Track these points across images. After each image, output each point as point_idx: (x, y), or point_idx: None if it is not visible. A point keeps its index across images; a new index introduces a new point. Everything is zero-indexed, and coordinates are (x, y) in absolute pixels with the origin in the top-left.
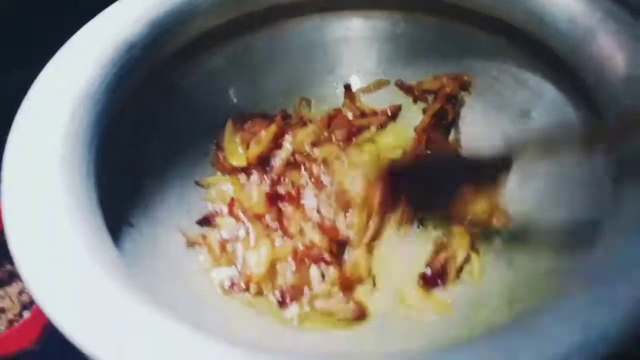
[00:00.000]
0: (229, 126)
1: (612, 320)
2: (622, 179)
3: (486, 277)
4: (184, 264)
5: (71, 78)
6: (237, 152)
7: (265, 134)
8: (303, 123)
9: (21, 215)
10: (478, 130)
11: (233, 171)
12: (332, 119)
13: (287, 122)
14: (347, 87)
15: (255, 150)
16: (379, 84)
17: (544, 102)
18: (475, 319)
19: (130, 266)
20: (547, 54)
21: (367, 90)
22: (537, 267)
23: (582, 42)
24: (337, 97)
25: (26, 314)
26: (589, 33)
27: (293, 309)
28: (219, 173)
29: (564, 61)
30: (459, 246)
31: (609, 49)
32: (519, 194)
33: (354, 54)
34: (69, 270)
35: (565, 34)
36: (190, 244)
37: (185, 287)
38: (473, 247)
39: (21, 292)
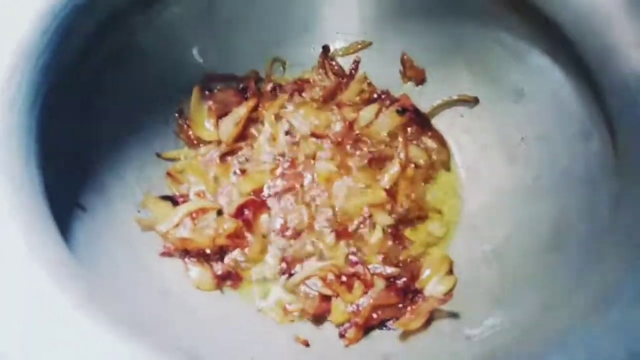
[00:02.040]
0: (195, 94)
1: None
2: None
3: None
4: (145, 250)
5: (5, 33)
6: (204, 126)
7: (242, 114)
8: (274, 89)
9: None
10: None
11: (199, 143)
12: (302, 85)
13: (259, 88)
14: (325, 49)
15: (231, 132)
16: (360, 46)
17: (541, 82)
18: None
19: (79, 263)
20: (548, 25)
21: (346, 51)
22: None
23: (598, 26)
24: (313, 58)
25: None
26: (605, 17)
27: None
28: (182, 143)
29: (569, 39)
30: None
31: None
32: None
33: (335, 12)
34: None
35: (578, 14)
36: (146, 229)
37: (147, 278)
38: None
39: None
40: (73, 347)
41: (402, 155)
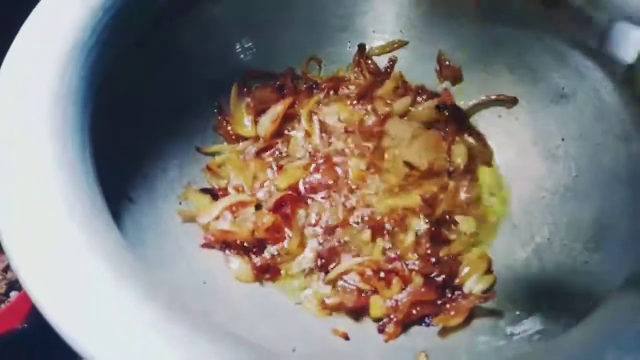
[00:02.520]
0: (234, 92)
1: None
2: None
3: None
4: (187, 242)
5: (58, 27)
6: (244, 122)
7: (279, 111)
8: (310, 87)
9: (9, 198)
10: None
11: (238, 139)
12: (338, 83)
13: (295, 85)
14: (361, 48)
15: (269, 129)
16: (396, 45)
17: (582, 83)
18: None
19: (132, 251)
20: (591, 26)
21: (382, 50)
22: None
23: None
24: (349, 56)
25: (13, 295)
26: None
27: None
28: (221, 138)
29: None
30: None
31: None
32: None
33: (372, 11)
34: (64, 258)
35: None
36: (187, 220)
37: (189, 268)
38: None
39: (6, 269)
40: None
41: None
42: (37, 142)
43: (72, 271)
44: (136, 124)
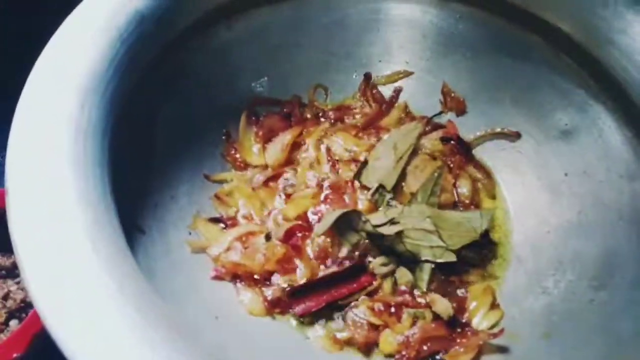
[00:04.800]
0: (243, 120)
1: None
2: None
3: None
4: (197, 273)
5: (76, 58)
6: (252, 150)
7: (288, 140)
8: (317, 115)
9: (33, 233)
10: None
11: (246, 167)
12: (344, 111)
13: (302, 113)
14: (367, 77)
15: (278, 157)
16: (402, 75)
17: (586, 121)
18: None
19: (147, 281)
20: (596, 67)
21: (387, 80)
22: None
23: None
24: (355, 85)
25: (13, 324)
26: None
27: (316, 330)
28: (229, 165)
29: (618, 81)
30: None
31: None
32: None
33: (378, 41)
34: (84, 293)
35: (629, 59)
36: (196, 251)
37: (201, 301)
38: None
39: (6, 297)
40: None
41: None
42: (59, 177)
43: (97, 315)
44: (149, 152)
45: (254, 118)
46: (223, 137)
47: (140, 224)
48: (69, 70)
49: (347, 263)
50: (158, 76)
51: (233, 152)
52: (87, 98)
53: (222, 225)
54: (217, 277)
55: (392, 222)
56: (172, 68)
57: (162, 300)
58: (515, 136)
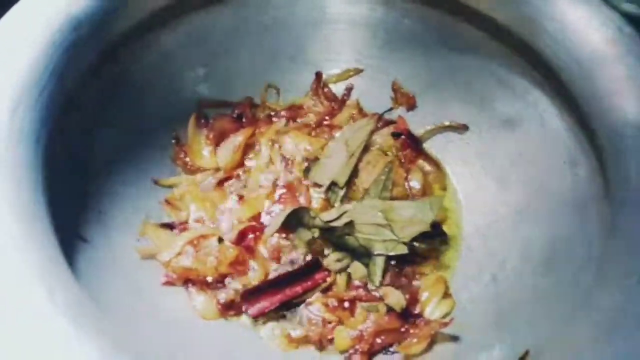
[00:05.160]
0: (192, 123)
1: None
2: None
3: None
4: (146, 280)
5: (8, 64)
6: (202, 153)
7: (240, 141)
8: (269, 116)
9: None
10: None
11: (196, 170)
12: (296, 111)
13: (253, 114)
14: (318, 75)
15: (230, 159)
16: (352, 73)
17: (529, 110)
18: None
19: (87, 295)
20: (533, 55)
21: (338, 78)
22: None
23: (588, 65)
24: (306, 84)
25: None
26: (595, 58)
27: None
28: (178, 169)
29: (558, 74)
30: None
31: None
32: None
33: (326, 39)
34: (11, 304)
35: (570, 53)
36: (146, 257)
37: (150, 309)
38: None
39: None
40: None
41: None
42: None
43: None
44: (90, 158)
45: (203, 121)
46: (173, 141)
47: (82, 232)
48: (0, 75)
49: (300, 261)
50: (98, 81)
51: (183, 155)
52: (19, 104)
53: (173, 230)
54: (168, 283)
55: (343, 215)
56: (112, 73)
57: (102, 309)
58: (463, 128)
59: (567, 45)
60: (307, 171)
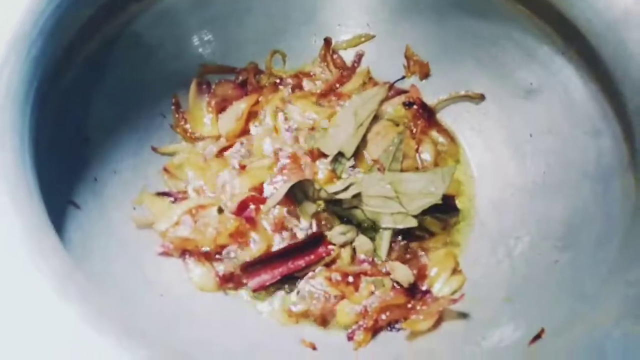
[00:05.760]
0: (193, 89)
1: None
2: None
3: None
4: (141, 250)
5: None
6: (203, 121)
7: (243, 109)
8: (274, 83)
9: None
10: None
11: (197, 138)
12: (303, 78)
13: (258, 81)
14: (327, 41)
15: (232, 128)
16: (363, 39)
17: (551, 78)
18: None
19: (77, 268)
20: (561, 21)
21: (348, 44)
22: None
23: (614, 23)
24: (314, 51)
25: None
26: (621, 14)
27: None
28: (179, 137)
29: (582, 35)
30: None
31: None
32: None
33: (336, 3)
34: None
35: (594, 10)
36: (142, 227)
37: (144, 280)
38: None
39: None
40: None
41: None
42: None
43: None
44: (84, 123)
45: (205, 87)
46: (172, 108)
47: (76, 199)
48: None
49: (304, 234)
50: (94, 41)
51: (183, 122)
52: (6, 62)
53: (171, 199)
54: (165, 254)
55: (349, 187)
56: (110, 33)
57: (90, 277)
58: (480, 98)
59: (596, 7)
60: (312, 140)
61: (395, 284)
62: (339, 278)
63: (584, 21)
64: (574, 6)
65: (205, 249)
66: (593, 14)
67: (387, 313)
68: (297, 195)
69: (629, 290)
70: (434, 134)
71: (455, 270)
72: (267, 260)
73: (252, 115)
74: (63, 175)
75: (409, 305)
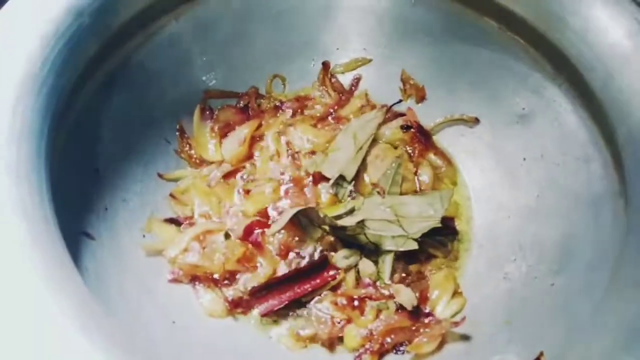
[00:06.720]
0: (197, 115)
1: None
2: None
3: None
4: (152, 277)
5: (7, 59)
6: (207, 146)
7: (246, 134)
8: (275, 107)
9: None
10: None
11: (202, 163)
12: (303, 102)
13: (259, 105)
14: (325, 65)
15: (236, 152)
16: (360, 63)
17: (542, 104)
18: None
19: (95, 296)
20: (551, 50)
21: (346, 68)
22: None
23: (609, 62)
24: (313, 74)
25: None
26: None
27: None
28: (184, 162)
29: (575, 67)
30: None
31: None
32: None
33: (333, 28)
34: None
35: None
36: (152, 254)
37: (156, 307)
38: None
39: None
40: None
41: None
42: None
43: (35, 329)
44: (93, 153)
45: (208, 112)
46: (177, 134)
47: (89, 230)
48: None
49: (309, 258)
50: (100, 72)
51: (187, 148)
52: (20, 101)
53: (178, 225)
54: (175, 280)
55: (351, 212)
56: (115, 63)
57: (108, 309)
58: (474, 122)
59: (589, 41)
60: (314, 164)
61: (399, 307)
62: (345, 302)
63: (574, 51)
64: (564, 37)
65: (215, 275)
66: (583, 45)
67: (392, 336)
68: (301, 220)
69: (622, 316)
70: (432, 156)
71: (456, 293)
72: (275, 285)
73: (254, 139)
74: (76, 206)
75: (413, 328)
